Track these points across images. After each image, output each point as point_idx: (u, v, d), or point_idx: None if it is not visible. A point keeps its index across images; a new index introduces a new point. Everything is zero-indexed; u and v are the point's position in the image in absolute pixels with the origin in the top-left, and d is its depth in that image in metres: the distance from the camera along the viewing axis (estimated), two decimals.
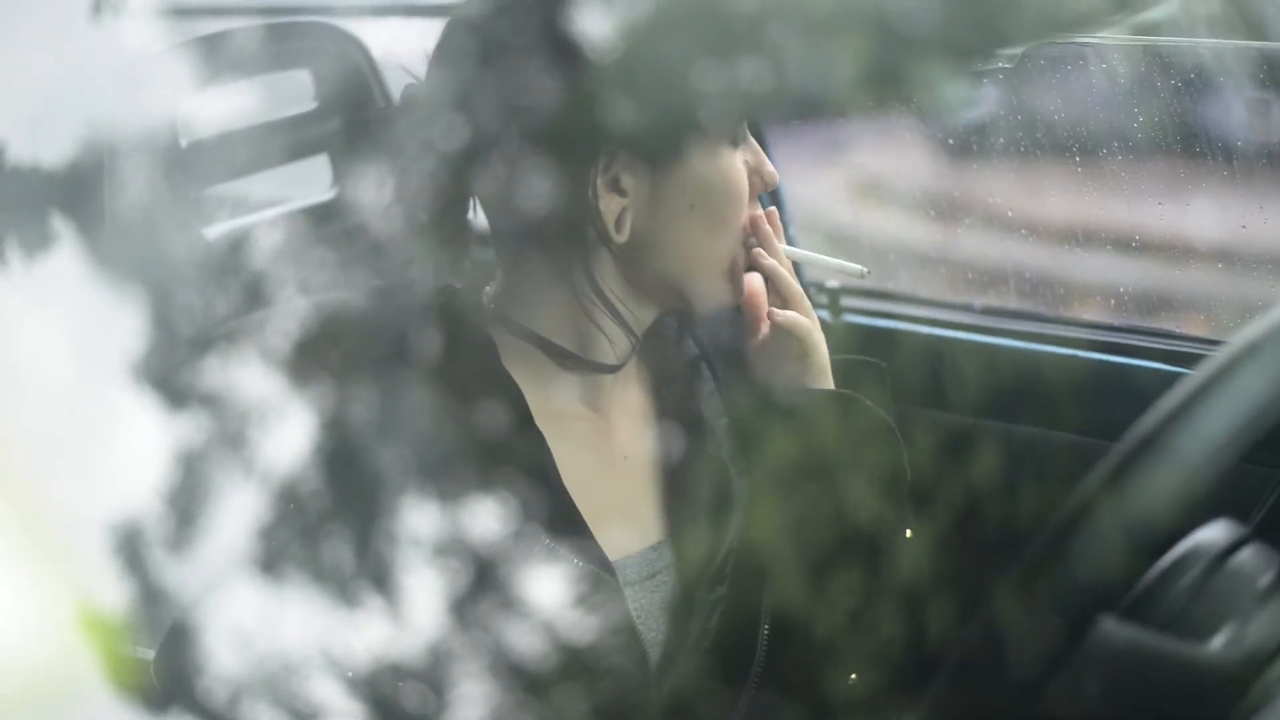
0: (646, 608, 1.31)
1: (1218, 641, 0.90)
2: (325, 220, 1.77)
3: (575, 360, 1.30)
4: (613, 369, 1.32)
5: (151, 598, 1.04)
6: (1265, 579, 0.96)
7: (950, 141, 2.05)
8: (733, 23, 1.09)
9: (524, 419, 1.26)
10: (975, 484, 1.62)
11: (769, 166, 1.32)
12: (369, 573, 1.10)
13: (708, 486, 1.36)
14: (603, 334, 1.29)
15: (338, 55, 1.78)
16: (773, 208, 1.38)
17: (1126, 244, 1.91)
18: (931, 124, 2.04)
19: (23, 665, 0.94)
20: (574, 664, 1.19)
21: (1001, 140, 1.97)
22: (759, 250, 1.33)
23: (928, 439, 1.56)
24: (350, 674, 1.08)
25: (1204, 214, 1.84)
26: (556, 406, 1.30)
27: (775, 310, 1.35)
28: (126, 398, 1.05)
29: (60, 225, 1.10)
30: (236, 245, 1.53)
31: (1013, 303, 1.99)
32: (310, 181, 1.84)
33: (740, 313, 1.38)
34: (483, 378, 1.26)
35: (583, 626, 1.21)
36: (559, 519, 1.24)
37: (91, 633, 0.99)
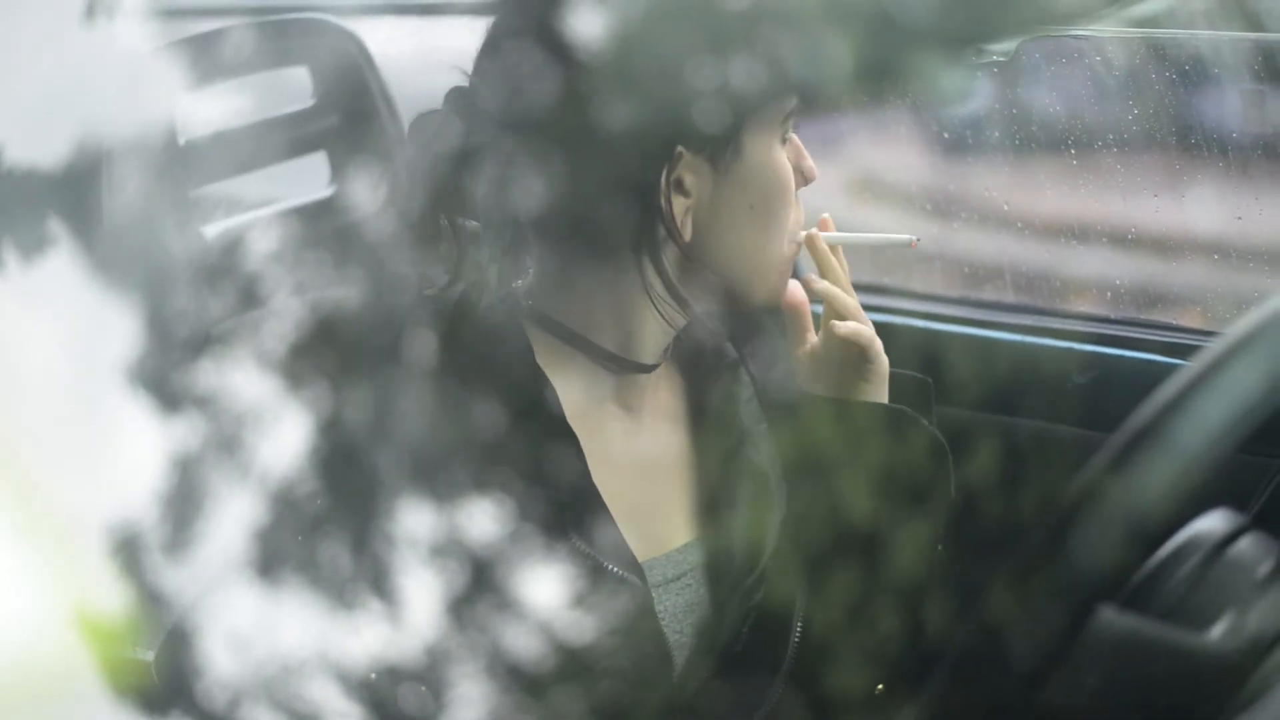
0: (672, 610, 1.30)
1: (1217, 630, 0.91)
2: (326, 217, 1.77)
3: (615, 360, 1.29)
4: (649, 369, 1.32)
5: (152, 598, 1.04)
6: (1264, 568, 0.97)
7: (946, 136, 2.05)
8: (780, 15, 1.10)
9: (557, 418, 1.25)
10: (975, 478, 1.63)
11: (809, 161, 1.32)
12: (395, 571, 1.10)
13: (745, 491, 1.35)
14: (647, 334, 1.29)
15: (335, 52, 1.78)
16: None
17: (1122, 237, 1.91)
18: (927, 118, 2.05)
19: (23, 665, 0.94)
20: (598, 665, 1.19)
21: (997, 134, 1.97)
22: (810, 277, 1.35)
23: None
24: (373, 675, 1.08)
25: (1200, 206, 1.84)
26: (590, 406, 1.29)
27: (838, 323, 1.36)
28: (128, 396, 1.05)
29: (59, 224, 1.10)
30: (239, 242, 1.53)
31: (1010, 296, 1.99)
32: (307, 179, 1.83)
33: (779, 316, 1.39)
34: (517, 375, 1.26)
35: (608, 627, 1.21)
36: (588, 519, 1.24)
37: (92, 633, 0.99)
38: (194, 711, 1.05)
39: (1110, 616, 0.88)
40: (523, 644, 1.12)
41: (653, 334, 1.29)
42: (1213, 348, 0.93)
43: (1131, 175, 1.83)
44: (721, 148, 1.25)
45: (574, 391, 1.27)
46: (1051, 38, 1.81)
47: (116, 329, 1.06)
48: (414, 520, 1.12)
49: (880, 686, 1.32)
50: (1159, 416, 0.90)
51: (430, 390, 1.18)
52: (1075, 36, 1.80)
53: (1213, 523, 0.98)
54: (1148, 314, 1.86)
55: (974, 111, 1.97)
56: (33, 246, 1.08)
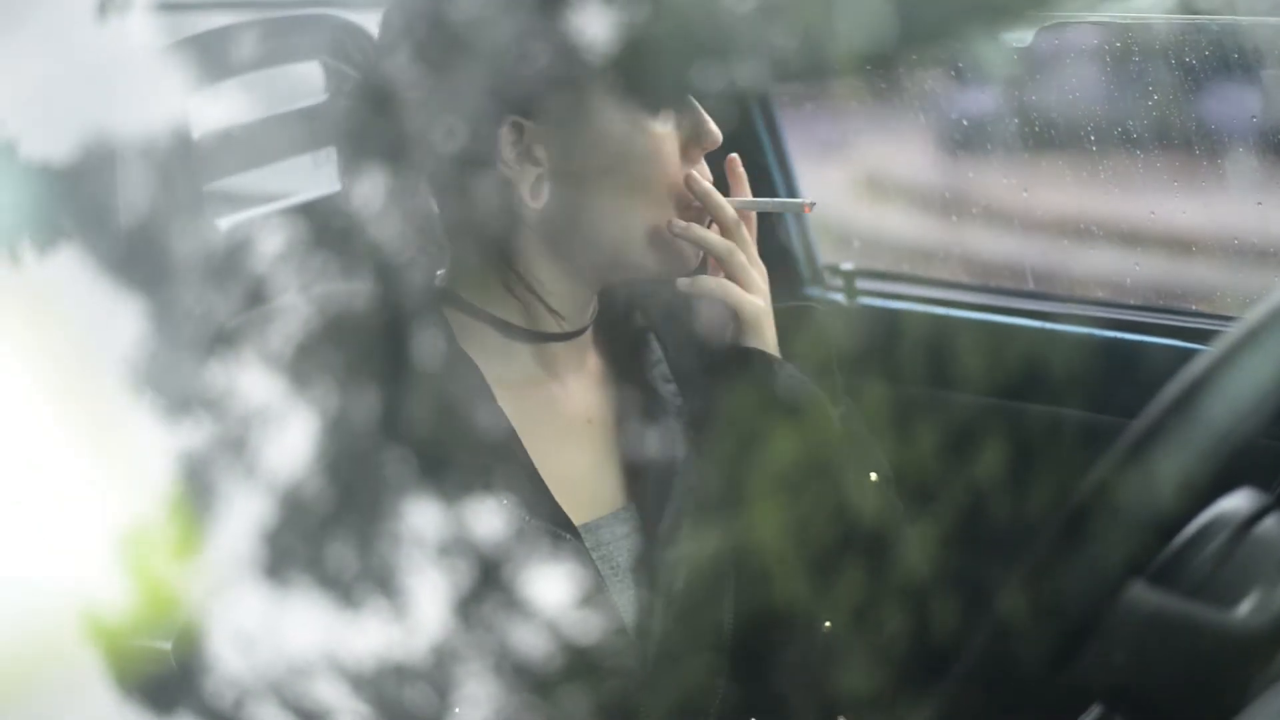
0: (617, 569, 1.33)
1: (1244, 607, 0.90)
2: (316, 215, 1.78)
3: (523, 332, 1.32)
4: (566, 337, 1.34)
5: (167, 588, 1.04)
6: None
7: (957, 130, 2.05)
8: None
9: (483, 393, 1.28)
10: (991, 463, 1.62)
11: (708, 126, 1.32)
12: (344, 554, 1.11)
13: (658, 452, 1.37)
14: (540, 304, 1.31)
15: (347, 47, 1.78)
16: (733, 155, 1.39)
17: (1137, 229, 1.90)
18: (940, 110, 2.04)
19: (25, 665, 0.94)
20: (548, 628, 1.20)
21: (1010, 126, 1.96)
22: (692, 174, 1.32)
23: (943, 419, 1.56)
24: (333, 654, 1.08)
25: (1220, 193, 1.83)
26: (514, 377, 1.32)
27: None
28: (136, 393, 1.06)
29: (73, 220, 1.11)
30: (248, 238, 1.53)
31: (1024, 284, 1.99)
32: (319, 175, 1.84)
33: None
34: (440, 357, 1.28)
35: (554, 592, 1.23)
36: (524, 487, 1.27)
37: (98, 628, 0.99)
38: (208, 705, 1.06)
39: (1139, 592, 0.88)
40: (469, 614, 1.14)
41: (550, 304, 1.31)
42: (1234, 331, 0.92)
43: (1150, 162, 1.82)
44: (567, 117, 1.26)
45: (497, 367, 1.30)
46: (1068, 24, 1.80)
47: (132, 324, 1.07)
48: (355, 507, 1.13)
49: (828, 624, 1.33)
50: (1182, 398, 0.89)
51: (360, 381, 1.19)
52: (1092, 23, 1.80)
53: (1238, 502, 0.97)
54: (1168, 301, 1.85)
55: (991, 100, 1.96)
56: (49, 241, 1.09)
